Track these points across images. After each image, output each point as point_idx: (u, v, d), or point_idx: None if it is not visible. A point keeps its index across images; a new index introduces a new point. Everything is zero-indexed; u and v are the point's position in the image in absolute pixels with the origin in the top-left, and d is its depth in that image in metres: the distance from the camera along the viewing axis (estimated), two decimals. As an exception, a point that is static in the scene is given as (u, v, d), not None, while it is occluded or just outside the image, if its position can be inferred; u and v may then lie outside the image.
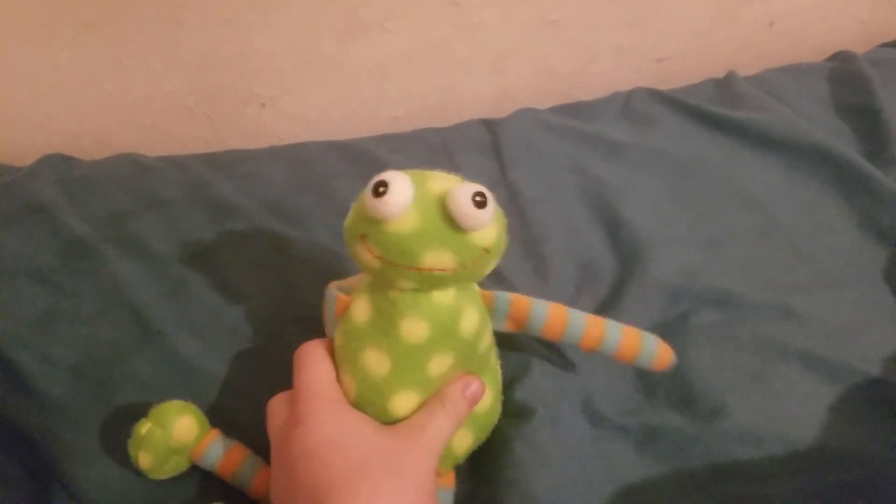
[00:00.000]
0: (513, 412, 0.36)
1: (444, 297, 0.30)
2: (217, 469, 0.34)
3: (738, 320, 0.42)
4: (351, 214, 0.31)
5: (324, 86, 0.65)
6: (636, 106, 0.62)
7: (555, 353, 0.40)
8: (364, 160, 0.55)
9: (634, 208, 0.50)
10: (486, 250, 0.29)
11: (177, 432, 0.33)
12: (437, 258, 0.28)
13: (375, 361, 0.30)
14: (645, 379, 0.40)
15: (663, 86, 0.65)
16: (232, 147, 0.59)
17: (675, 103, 0.61)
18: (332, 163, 0.55)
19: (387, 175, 0.28)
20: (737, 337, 0.41)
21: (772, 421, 0.37)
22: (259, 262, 0.46)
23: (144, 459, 0.33)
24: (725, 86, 0.64)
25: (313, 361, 0.32)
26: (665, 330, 0.41)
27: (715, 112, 0.59)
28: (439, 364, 0.31)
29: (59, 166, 0.54)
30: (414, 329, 0.30)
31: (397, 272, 0.29)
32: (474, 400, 0.32)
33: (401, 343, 0.30)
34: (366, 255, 0.29)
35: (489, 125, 0.60)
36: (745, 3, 0.71)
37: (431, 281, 0.29)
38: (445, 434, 0.30)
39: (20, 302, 0.43)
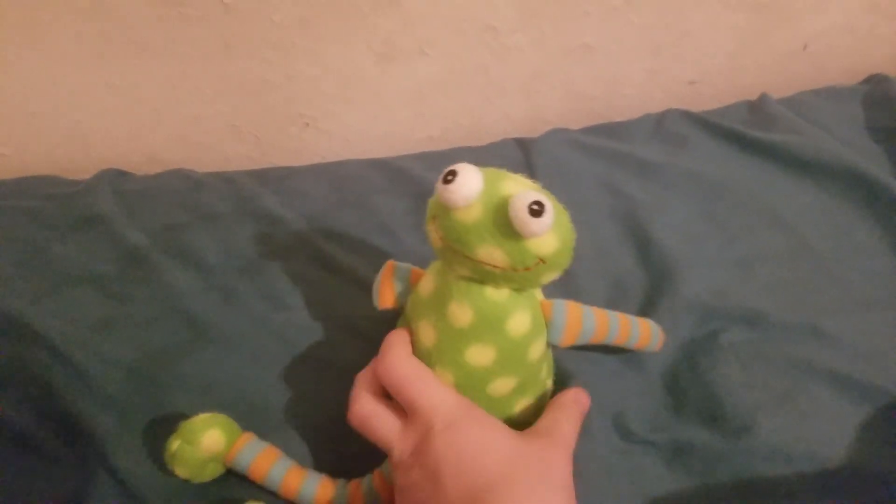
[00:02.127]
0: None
1: (495, 294, 0.32)
2: (249, 473, 0.35)
3: (767, 340, 0.42)
4: (433, 196, 0.32)
5: (363, 107, 0.67)
6: (669, 127, 0.63)
7: (588, 364, 0.41)
8: (402, 177, 0.57)
9: (665, 228, 0.50)
10: (542, 259, 0.30)
11: (205, 446, 0.34)
12: (490, 254, 0.30)
13: (425, 333, 0.33)
14: (674, 395, 0.40)
15: (695, 108, 0.66)
16: (276, 164, 0.61)
17: (708, 125, 0.62)
18: (371, 179, 0.57)
19: (459, 166, 0.30)
20: (766, 356, 0.41)
21: (800, 440, 0.37)
22: (302, 273, 0.48)
23: (180, 471, 0.35)
24: (758, 108, 0.64)
25: (423, 372, 0.33)
26: (695, 348, 0.42)
27: (748, 134, 0.59)
28: (479, 355, 0.32)
29: (115, 180, 0.57)
30: (459, 313, 0.32)
31: (455, 257, 0.31)
32: (584, 409, 0.35)
33: (445, 323, 0.32)
34: (433, 234, 0.32)
35: (522, 144, 0.62)
36: (777, 25, 0.71)
37: (484, 273, 0.31)
38: (573, 437, 0.33)
39: (80, 307, 0.45)
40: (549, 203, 0.28)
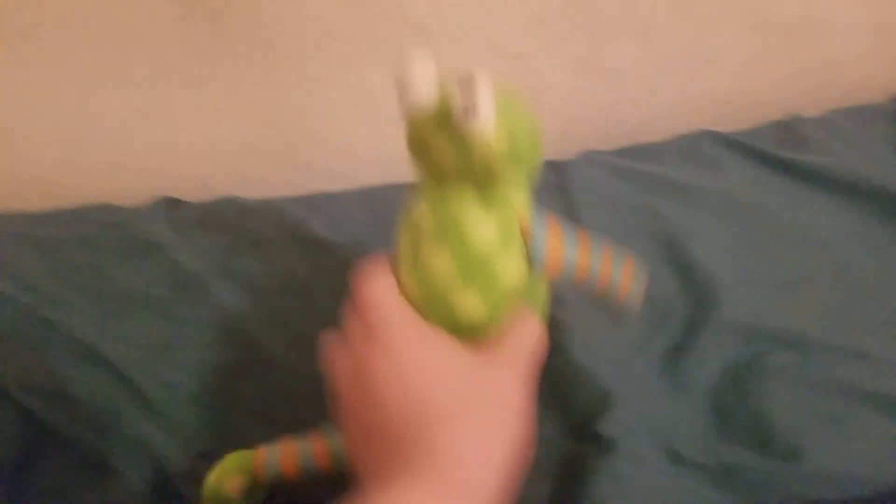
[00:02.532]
0: (596, 444, 0.38)
1: (454, 195, 0.31)
2: (283, 472, 0.36)
3: (812, 362, 0.43)
4: None
5: (400, 132, 0.69)
6: (701, 148, 0.63)
7: (634, 386, 0.41)
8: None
9: (704, 250, 0.51)
10: (492, 152, 0.29)
11: (230, 489, 0.36)
12: (439, 148, 0.30)
13: (403, 238, 0.33)
14: (721, 418, 0.41)
15: (721, 127, 0.66)
16: (316, 189, 0.63)
17: (740, 146, 0.63)
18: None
19: (410, 62, 0.29)
20: (812, 378, 0.42)
21: (848, 463, 0.37)
22: (348, 295, 0.49)
23: None
24: (790, 128, 0.65)
25: (376, 273, 0.31)
26: (740, 371, 0.43)
27: (780, 156, 0.60)
28: (436, 258, 0.31)
29: (169, 207, 0.59)
30: (419, 217, 0.32)
31: (416, 160, 0.32)
32: (534, 334, 0.32)
33: (411, 225, 0.33)
34: (407, 139, 0.32)
35: (555, 167, 0.63)
36: (808, 45, 0.72)
37: (442, 175, 0.31)
38: (526, 358, 0.31)
39: (139, 330, 0.47)
40: (486, 90, 0.27)
